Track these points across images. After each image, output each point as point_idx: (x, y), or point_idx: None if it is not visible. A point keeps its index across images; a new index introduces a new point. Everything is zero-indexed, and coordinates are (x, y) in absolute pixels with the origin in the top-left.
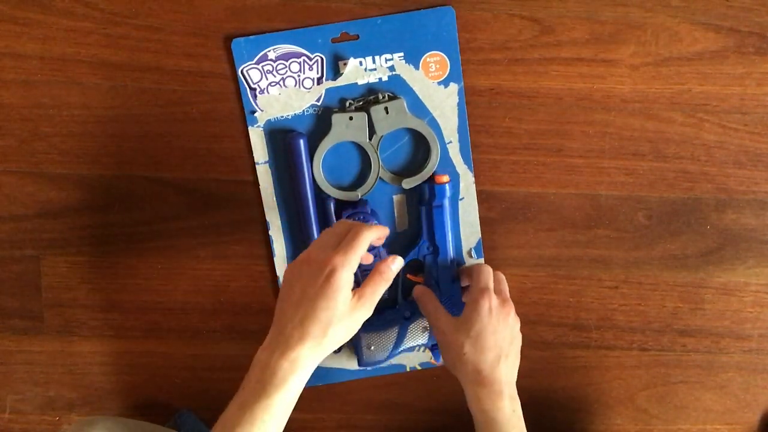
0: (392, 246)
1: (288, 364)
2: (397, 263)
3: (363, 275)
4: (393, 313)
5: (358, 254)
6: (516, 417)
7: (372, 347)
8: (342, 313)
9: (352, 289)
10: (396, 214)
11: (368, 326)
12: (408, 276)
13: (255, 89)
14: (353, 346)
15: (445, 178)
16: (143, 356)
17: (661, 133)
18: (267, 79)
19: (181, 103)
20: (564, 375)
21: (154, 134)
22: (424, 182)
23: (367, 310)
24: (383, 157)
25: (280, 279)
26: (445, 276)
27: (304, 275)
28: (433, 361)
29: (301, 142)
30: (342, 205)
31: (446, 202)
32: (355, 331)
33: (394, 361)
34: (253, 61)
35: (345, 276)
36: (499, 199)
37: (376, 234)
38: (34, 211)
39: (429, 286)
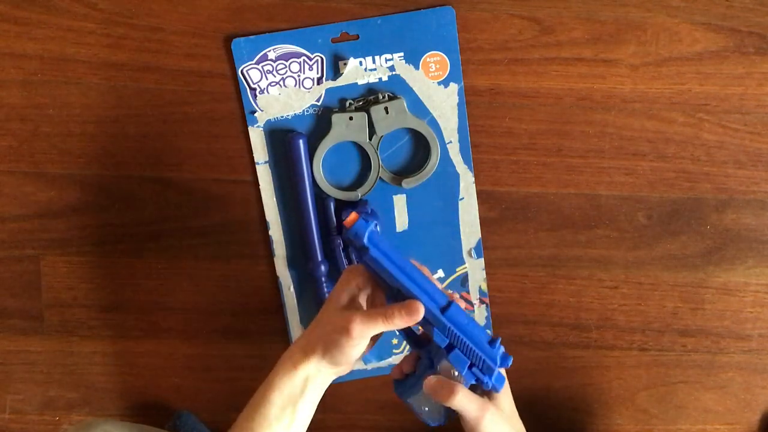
0: None
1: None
2: (411, 315)
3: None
4: (421, 367)
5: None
6: None
7: (425, 408)
8: (322, 315)
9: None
10: (396, 214)
11: (409, 390)
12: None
13: (255, 89)
14: (416, 414)
15: (351, 216)
16: (143, 356)
17: (661, 133)
18: (267, 79)
19: (181, 103)
20: (564, 375)
21: (154, 134)
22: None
23: (345, 335)
24: (383, 157)
25: (280, 279)
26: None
27: None
28: None
29: (301, 142)
30: (342, 205)
31: (369, 242)
32: (338, 350)
33: (393, 360)
34: (253, 61)
35: (335, 291)
36: (499, 199)
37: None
38: (34, 211)
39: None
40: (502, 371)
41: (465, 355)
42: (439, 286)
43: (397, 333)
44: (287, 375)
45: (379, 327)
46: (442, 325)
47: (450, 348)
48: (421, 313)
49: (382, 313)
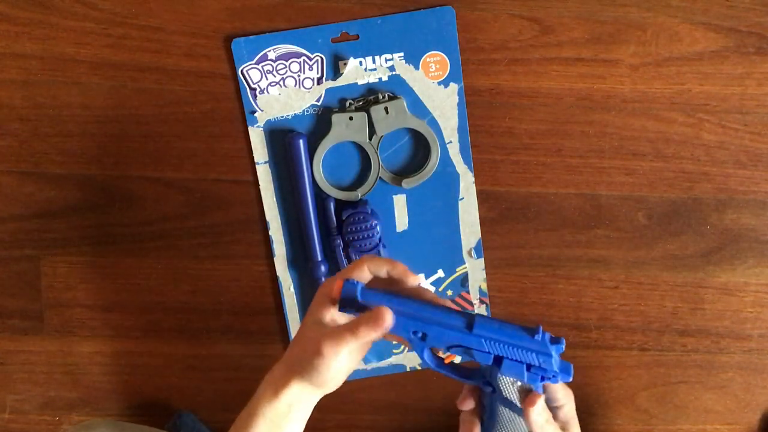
0: (392, 248)
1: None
2: (378, 324)
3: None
4: (487, 399)
5: (346, 276)
6: None
7: None
8: (300, 334)
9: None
10: (396, 214)
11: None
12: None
13: (255, 89)
14: None
15: (337, 285)
16: (143, 356)
17: (661, 133)
18: (267, 79)
19: (181, 103)
20: None
21: (154, 134)
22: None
23: (317, 356)
24: (383, 157)
25: (280, 279)
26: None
27: None
28: None
29: (301, 142)
30: (342, 205)
31: (363, 298)
32: (316, 372)
33: (393, 360)
34: (253, 61)
35: (310, 308)
36: (499, 199)
37: (379, 265)
38: (34, 211)
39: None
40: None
41: (516, 360)
42: (441, 300)
43: (444, 374)
44: (270, 402)
45: (349, 342)
46: (477, 343)
47: (498, 360)
48: (387, 319)
49: (349, 328)
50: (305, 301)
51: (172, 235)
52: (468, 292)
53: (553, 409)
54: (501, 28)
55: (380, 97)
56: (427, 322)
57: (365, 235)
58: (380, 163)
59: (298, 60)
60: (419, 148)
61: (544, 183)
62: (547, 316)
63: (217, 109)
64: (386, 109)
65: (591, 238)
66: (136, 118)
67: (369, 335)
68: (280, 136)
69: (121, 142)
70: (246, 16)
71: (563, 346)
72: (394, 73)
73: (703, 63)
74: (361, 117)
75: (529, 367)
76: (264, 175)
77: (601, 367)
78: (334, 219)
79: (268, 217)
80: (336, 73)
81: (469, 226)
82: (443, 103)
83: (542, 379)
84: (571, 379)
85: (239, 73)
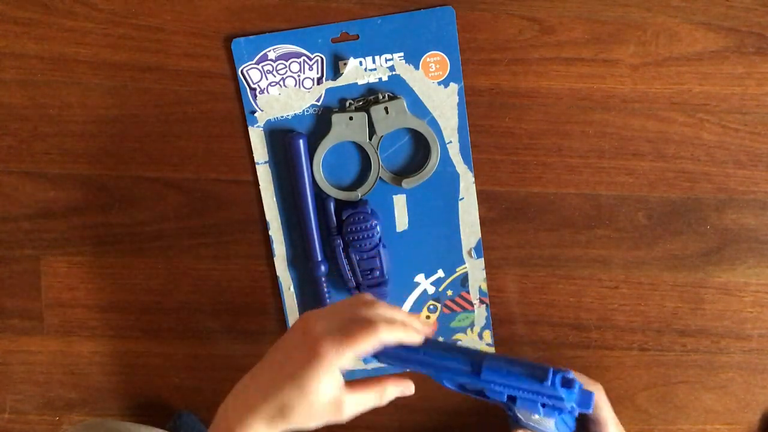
0: (392, 248)
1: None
2: (406, 392)
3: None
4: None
5: (358, 350)
6: None
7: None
8: (285, 381)
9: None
10: (396, 214)
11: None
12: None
13: (255, 89)
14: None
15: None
16: (143, 356)
17: (661, 133)
18: (267, 79)
19: (181, 103)
20: None
21: (154, 134)
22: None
23: (336, 416)
24: (383, 157)
25: (280, 279)
26: None
27: (290, 345)
28: None
29: (301, 142)
30: (342, 205)
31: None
32: (316, 423)
33: None
34: (253, 61)
35: (326, 369)
36: (499, 199)
37: (394, 336)
38: (34, 211)
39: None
40: (594, 384)
41: (529, 399)
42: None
43: (466, 394)
44: None
45: (370, 406)
46: (487, 386)
47: (512, 398)
48: (412, 388)
49: (376, 395)
50: (305, 301)
51: (172, 235)
52: (468, 292)
53: None
54: (501, 28)
55: (380, 97)
56: (437, 369)
57: (365, 235)
58: (380, 163)
59: (298, 60)
60: (419, 148)
61: (544, 183)
62: (547, 316)
63: (217, 109)
64: (386, 109)
65: (591, 238)
66: (136, 118)
67: (392, 398)
68: (280, 136)
69: (121, 142)
70: (246, 16)
71: (576, 390)
72: (394, 73)
73: (703, 63)
74: (361, 117)
75: (543, 404)
76: (264, 175)
77: (601, 367)
78: (334, 219)
79: (268, 217)
80: (336, 73)
81: (469, 226)
82: (443, 103)
83: (559, 413)
84: (591, 411)
85: (239, 73)
